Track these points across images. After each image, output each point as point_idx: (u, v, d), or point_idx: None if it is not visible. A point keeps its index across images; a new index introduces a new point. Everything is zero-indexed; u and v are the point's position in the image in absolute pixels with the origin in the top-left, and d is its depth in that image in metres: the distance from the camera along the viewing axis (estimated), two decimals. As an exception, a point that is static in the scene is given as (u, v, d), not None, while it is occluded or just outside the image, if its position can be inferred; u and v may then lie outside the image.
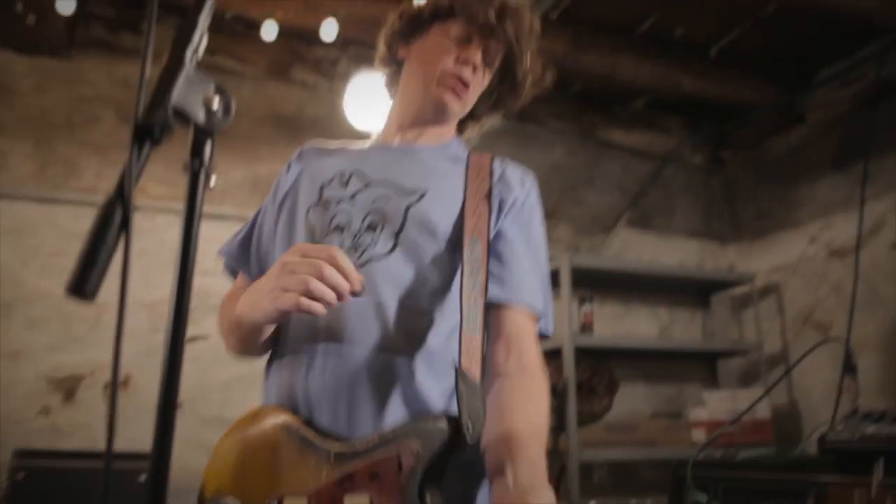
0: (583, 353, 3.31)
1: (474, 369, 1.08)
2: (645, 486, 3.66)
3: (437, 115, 1.40)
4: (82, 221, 3.03)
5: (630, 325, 3.89)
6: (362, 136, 3.21)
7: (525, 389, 1.16)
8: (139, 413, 2.93)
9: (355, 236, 1.26)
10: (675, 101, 3.80)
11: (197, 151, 0.75)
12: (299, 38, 3.31)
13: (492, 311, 1.22)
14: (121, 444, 2.84)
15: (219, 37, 3.11)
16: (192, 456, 2.91)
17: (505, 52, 1.39)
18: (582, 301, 3.47)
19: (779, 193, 3.93)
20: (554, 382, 3.14)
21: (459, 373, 1.06)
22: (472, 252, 1.20)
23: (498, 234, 1.30)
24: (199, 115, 0.75)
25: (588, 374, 3.26)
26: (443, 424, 1.01)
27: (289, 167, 1.46)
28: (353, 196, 1.31)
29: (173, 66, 0.74)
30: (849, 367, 1.87)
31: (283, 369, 1.22)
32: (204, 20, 0.77)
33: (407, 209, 1.27)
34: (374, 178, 1.32)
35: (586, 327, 3.42)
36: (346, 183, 1.34)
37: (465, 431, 1.01)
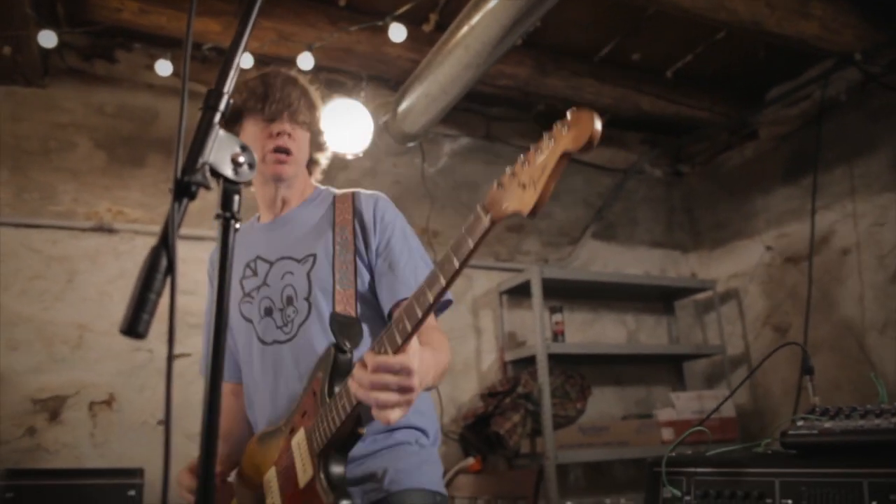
0: (555, 360, 3.45)
1: (349, 311, 1.51)
2: (619, 485, 3.79)
3: (281, 184, 1.68)
4: (60, 245, 3.07)
5: (599, 332, 4.03)
6: (336, 157, 3.32)
7: (434, 346, 1.45)
8: (124, 430, 2.99)
9: (282, 312, 1.61)
10: (635, 119, 3.97)
11: (227, 203, 0.85)
12: (271, 64, 3.40)
13: (397, 309, 1.54)
14: (107, 461, 2.91)
15: (194, 63, 3.19)
16: (176, 470, 2.97)
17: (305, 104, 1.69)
18: (553, 311, 3.60)
19: (735, 204, 4.11)
20: (529, 389, 3.26)
21: (333, 314, 1.49)
22: (341, 253, 1.59)
23: (376, 251, 1.60)
24: (228, 171, 0.85)
25: (561, 380, 3.38)
26: (330, 351, 1.44)
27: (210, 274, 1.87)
28: (265, 281, 1.64)
29: (204, 129, 0.84)
30: (807, 369, 2.01)
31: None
32: (229, 88, 0.87)
33: (308, 275, 1.59)
34: (272, 259, 1.65)
35: (558, 335, 3.55)
36: (255, 271, 1.67)
37: (345, 347, 1.43)
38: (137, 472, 2.61)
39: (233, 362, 1.75)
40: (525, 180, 0.96)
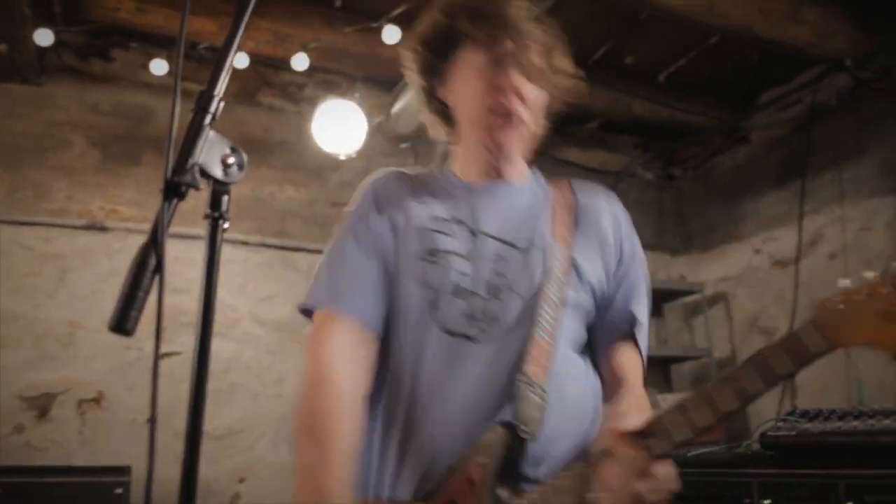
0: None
1: (541, 369, 1.12)
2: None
3: (501, 158, 1.27)
4: (53, 243, 3.09)
5: (588, 335, 4.05)
6: (329, 157, 3.35)
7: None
8: (113, 428, 3.01)
9: (485, 303, 1.17)
10: (628, 123, 4.00)
11: (216, 203, 0.87)
12: (266, 64, 3.43)
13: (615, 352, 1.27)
14: (95, 459, 2.94)
15: (189, 63, 3.20)
16: (165, 469, 2.99)
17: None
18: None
19: (726, 208, 4.14)
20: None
21: (518, 378, 1.11)
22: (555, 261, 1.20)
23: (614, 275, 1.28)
24: (218, 172, 0.88)
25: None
26: (499, 431, 1.07)
27: (374, 207, 1.27)
28: (470, 252, 1.20)
29: (195, 131, 0.86)
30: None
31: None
32: (220, 90, 0.89)
33: (532, 280, 1.18)
34: (481, 230, 1.22)
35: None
36: (455, 234, 1.22)
37: (521, 432, 1.07)
38: (125, 470, 2.61)
39: (371, 301, 1.21)
40: (892, 308, 0.73)
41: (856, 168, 3.47)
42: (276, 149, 3.55)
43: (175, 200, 0.84)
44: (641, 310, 1.29)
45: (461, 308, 1.16)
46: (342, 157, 3.35)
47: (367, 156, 3.60)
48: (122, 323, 0.78)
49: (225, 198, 0.88)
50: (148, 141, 3.31)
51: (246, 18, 0.94)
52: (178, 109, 0.85)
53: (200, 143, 0.86)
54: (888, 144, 3.31)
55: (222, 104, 0.89)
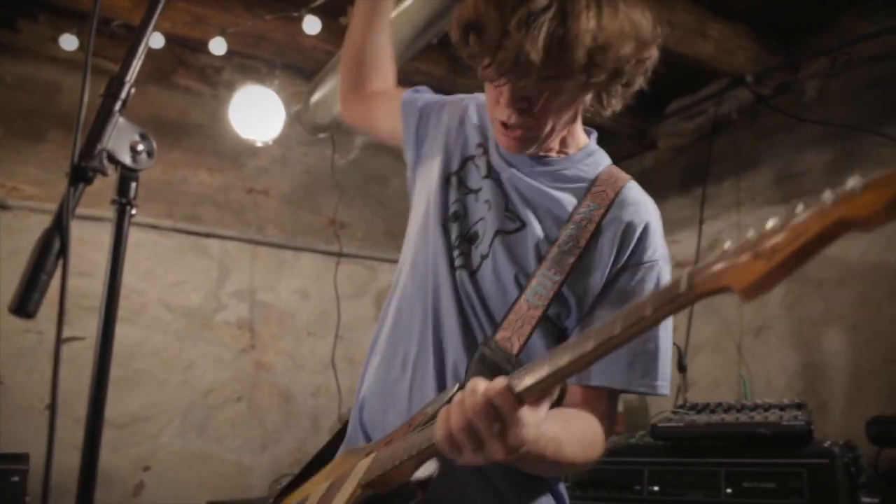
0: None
1: (513, 343, 1.13)
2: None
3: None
4: None
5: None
6: (245, 143, 3.31)
7: (592, 433, 1.13)
8: (12, 413, 2.90)
9: (463, 241, 1.23)
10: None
11: (123, 189, 0.88)
12: (183, 45, 3.35)
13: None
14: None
15: (101, 39, 3.10)
16: (65, 456, 2.90)
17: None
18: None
19: (633, 210, 4.31)
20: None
21: (485, 344, 1.15)
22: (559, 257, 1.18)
23: (607, 282, 1.18)
24: (126, 158, 0.88)
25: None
26: (454, 392, 1.04)
27: (444, 105, 1.41)
28: (477, 194, 1.27)
29: (104, 116, 0.87)
30: (681, 367, 2.19)
31: None
32: (132, 76, 0.90)
33: (509, 238, 1.21)
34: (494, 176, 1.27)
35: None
36: (477, 167, 1.29)
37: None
38: (23, 458, 2.53)
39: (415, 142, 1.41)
40: (765, 248, 0.64)
41: (752, 178, 3.68)
42: (191, 132, 3.48)
43: (81, 185, 0.84)
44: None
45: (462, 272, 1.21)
46: (259, 144, 3.32)
47: (285, 143, 3.58)
48: (24, 305, 0.79)
49: (133, 184, 0.89)
50: (54, 118, 3.19)
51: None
52: (87, 90, 0.86)
53: (109, 129, 0.87)
54: (782, 157, 3.53)
55: (133, 90, 0.90)
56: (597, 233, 1.18)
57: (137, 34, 0.93)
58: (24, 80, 3.19)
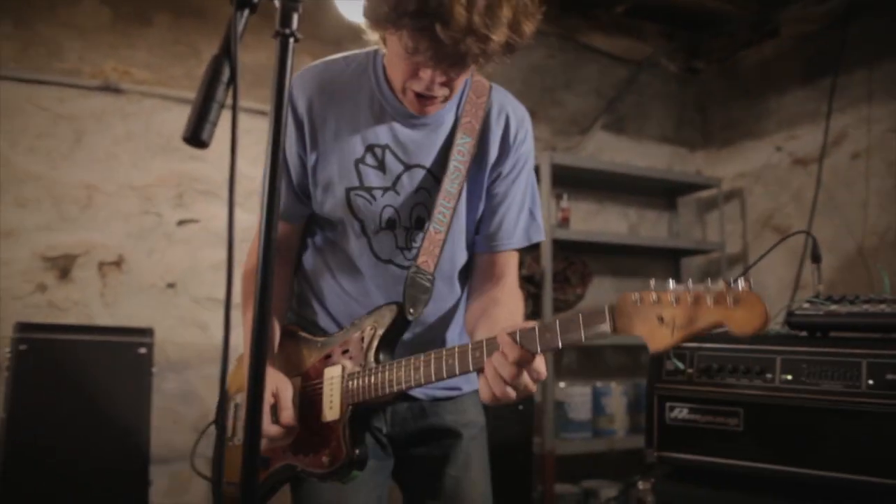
0: (559, 246, 3.49)
1: (428, 264, 1.38)
2: (609, 371, 3.93)
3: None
4: (67, 104, 3.02)
5: (602, 223, 4.07)
6: (349, 28, 3.22)
7: (509, 308, 1.40)
8: (133, 292, 3.05)
9: (407, 232, 1.40)
10: (655, 8, 3.86)
11: (286, 20, 0.84)
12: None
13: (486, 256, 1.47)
14: (117, 320, 2.96)
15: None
16: (185, 332, 3.04)
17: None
18: (559, 197, 3.62)
19: (748, 104, 4.06)
20: (532, 272, 3.32)
21: (415, 272, 1.37)
22: (452, 177, 1.38)
23: (494, 179, 1.43)
24: (288, -13, 0.83)
25: (563, 266, 3.44)
26: (392, 308, 1.35)
27: (294, 111, 1.38)
28: (394, 186, 1.38)
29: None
30: (815, 257, 2.07)
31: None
32: None
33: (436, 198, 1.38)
34: (406, 161, 1.38)
35: (563, 222, 3.59)
36: (383, 164, 1.37)
37: (410, 315, 1.35)
38: (148, 332, 2.66)
39: (292, 202, 1.42)
40: (667, 317, 0.93)
41: (888, 68, 3.38)
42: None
43: (246, 11, 0.80)
44: (522, 218, 1.47)
45: (388, 240, 1.40)
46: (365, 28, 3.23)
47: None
48: (198, 133, 0.76)
49: (295, 14, 0.85)
50: (160, 1, 3.19)
51: None
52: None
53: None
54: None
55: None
56: (476, 159, 1.38)
57: None
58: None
